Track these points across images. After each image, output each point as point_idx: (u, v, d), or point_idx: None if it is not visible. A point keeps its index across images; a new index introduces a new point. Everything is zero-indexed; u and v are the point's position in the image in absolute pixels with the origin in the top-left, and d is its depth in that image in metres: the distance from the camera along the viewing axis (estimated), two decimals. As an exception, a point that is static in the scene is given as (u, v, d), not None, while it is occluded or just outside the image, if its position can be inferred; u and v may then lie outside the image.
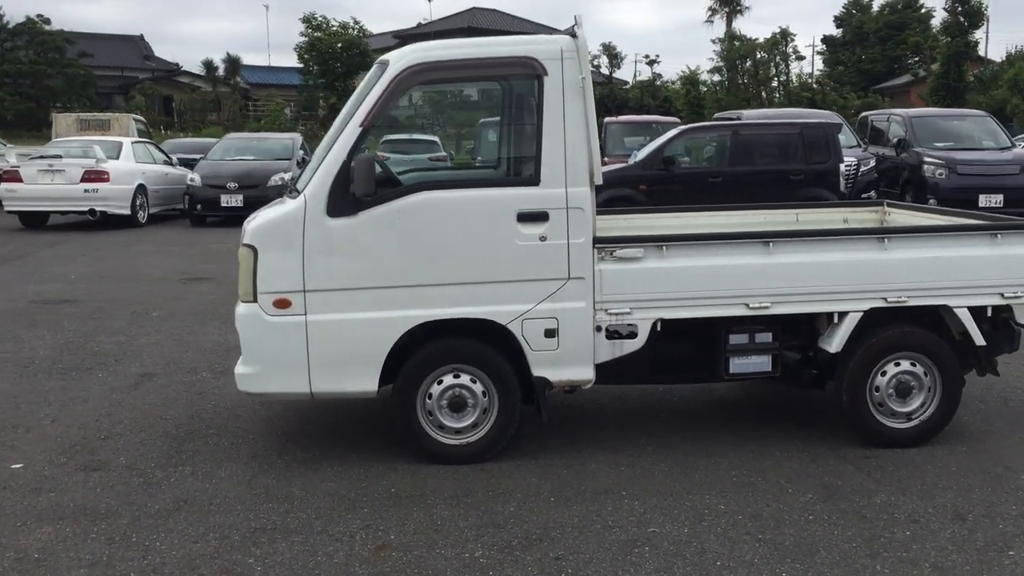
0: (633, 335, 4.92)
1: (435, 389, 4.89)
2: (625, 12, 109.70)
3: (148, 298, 9.87)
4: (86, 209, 16.44)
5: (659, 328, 4.94)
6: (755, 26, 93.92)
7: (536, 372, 4.87)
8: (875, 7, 59.95)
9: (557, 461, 4.97)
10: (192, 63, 59.56)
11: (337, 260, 4.71)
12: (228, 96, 51.02)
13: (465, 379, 4.89)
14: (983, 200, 14.22)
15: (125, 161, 17.24)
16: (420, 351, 4.86)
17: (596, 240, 4.84)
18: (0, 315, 8.99)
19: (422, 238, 4.72)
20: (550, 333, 4.82)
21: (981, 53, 46.62)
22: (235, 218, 16.99)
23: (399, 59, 4.86)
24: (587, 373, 4.92)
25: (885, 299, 5.02)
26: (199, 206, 17.58)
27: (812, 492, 4.56)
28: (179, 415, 5.84)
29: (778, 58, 51.47)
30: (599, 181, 4.83)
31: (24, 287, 10.58)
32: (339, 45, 44.07)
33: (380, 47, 49.13)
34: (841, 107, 38.10)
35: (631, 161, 13.56)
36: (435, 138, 17.34)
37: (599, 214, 5.11)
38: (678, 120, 21.74)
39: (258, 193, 16.85)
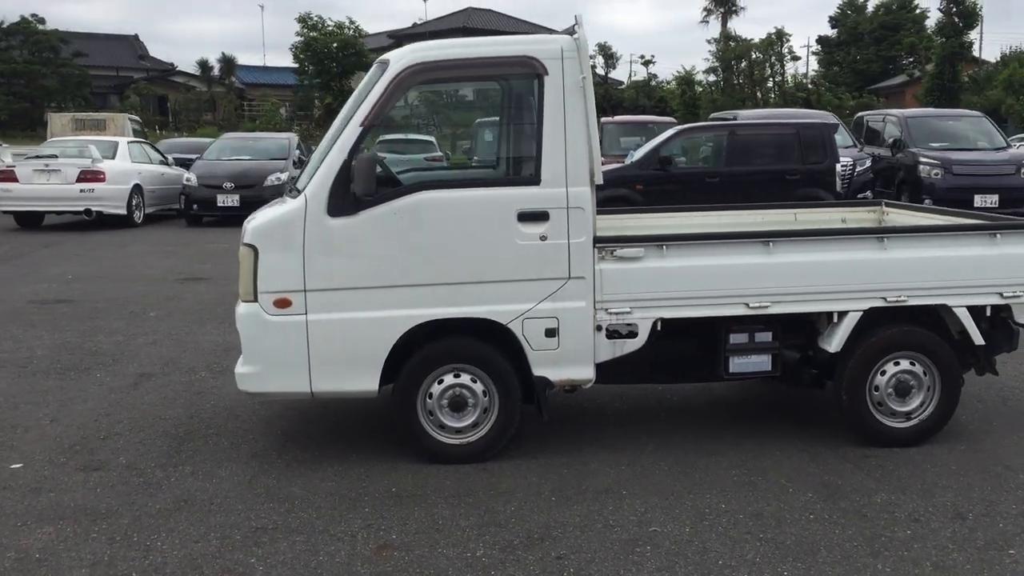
0: (633, 334, 4.92)
1: (436, 389, 4.89)
2: (621, 12, 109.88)
3: (145, 298, 9.86)
4: (82, 209, 16.39)
5: (659, 327, 4.94)
6: (750, 26, 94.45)
7: (537, 372, 4.87)
8: (870, 8, 60.15)
9: (558, 460, 4.98)
10: (187, 63, 59.48)
11: (338, 260, 4.71)
12: (223, 96, 51.03)
13: (466, 379, 4.89)
14: (979, 200, 14.28)
15: (121, 161, 17.20)
16: (421, 351, 4.86)
17: (596, 240, 4.84)
18: (-3, 315, 8.97)
19: (423, 238, 4.72)
20: (550, 333, 4.83)
21: (975, 54, 46.74)
22: (231, 218, 17.01)
23: (399, 59, 4.86)
24: (587, 372, 4.93)
25: (884, 299, 5.03)
26: (195, 206, 17.55)
27: (812, 491, 4.57)
28: (178, 415, 5.83)
29: (773, 58, 51.58)
30: (600, 181, 4.84)
31: (21, 287, 10.56)
32: (335, 45, 44.03)
33: (376, 47, 49.18)
34: (836, 107, 38.19)
35: (628, 161, 13.56)
36: (431, 138, 17.36)
37: (597, 214, 5.11)
38: (674, 120, 21.74)
39: (254, 193, 16.85)
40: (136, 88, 49.76)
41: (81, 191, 16.25)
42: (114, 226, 16.64)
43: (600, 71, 56.91)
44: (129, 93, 48.83)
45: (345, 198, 4.65)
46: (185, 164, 19.10)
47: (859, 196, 15.23)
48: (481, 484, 4.67)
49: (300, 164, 18.53)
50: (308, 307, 4.71)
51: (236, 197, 17.05)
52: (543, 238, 4.76)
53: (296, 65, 46.21)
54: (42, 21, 46.76)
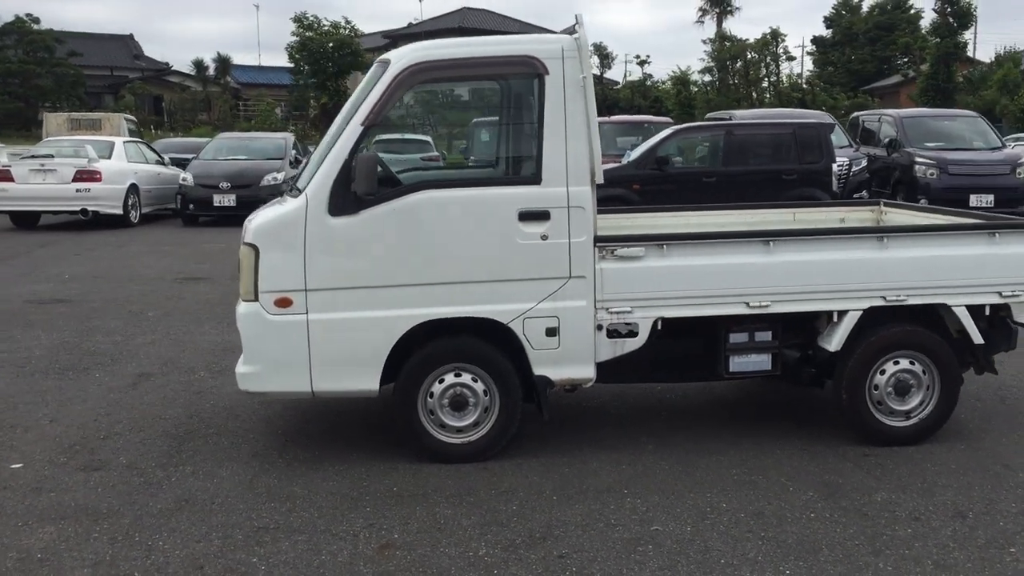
0: (634, 334, 4.93)
1: (436, 388, 4.89)
2: (616, 12, 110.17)
3: (143, 298, 9.85)
4: (78, 209, 16.37)
5: (660, 327, 4.95)
6: (745, 27, 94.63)
7: (537, 371, 4.87)
8: (865, 8, 60.24)
9: (559, 460, 4.98)
10: (182, 63, 59.71)
11: (339, 259, 4.71)
12: (218, 96, 50.97)
13: (466, 378, 4.89)
14: (974, 200, 14.33)
15: (117, 161, 17.18)
16: (421, 350, 4.86)
17: (597, 239, 4.85)
18: (-6, 315, 8.96)
19: (424, 237, 4.72)
20: (551, 332, 4.83)
21: (970, 54, 46.83)
22: (228, 218, 17.02)
23: (400, 58, 4.86)
24: (588, 372, 4.93)
25: (884, 298, 5.04)
26: (191, 206, 17.53)
27: (813, 490, 4.58)
28: (178, 415, 5.83)
29: (769, 58, 51.64)
30: (600, 180, 4.84)
31: (18, 287, 10.54)
32: (331, 45, 43.99)
33: (371, 47, 49.15)
34: (831, 107, 38.23)
35: (624, 161, 13.57)
36: (427, 138, 17.37)
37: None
38: (671, 120, 21.76)
39: (251, 193, 16.83)
40: (131, 88, 49.70)
41: (77, 191, 16.22)
42: (110, 226, 16.62)
43: (595, 71, 56.90)
44: (124, 93, 48.78)
45: (346, 197, 4.65)
46: (181, 164, 19.08)
47: (855, 196, 15.28)
48: (482, 483, 4.68)
49: (296, 164, 18.51)
50: (309, 306, 4.71)
51: (232, 197, 17.04)
52: (544, 237, 4.76)
53: (291, 65, 46.16)
54: (37, 21, 46.65)
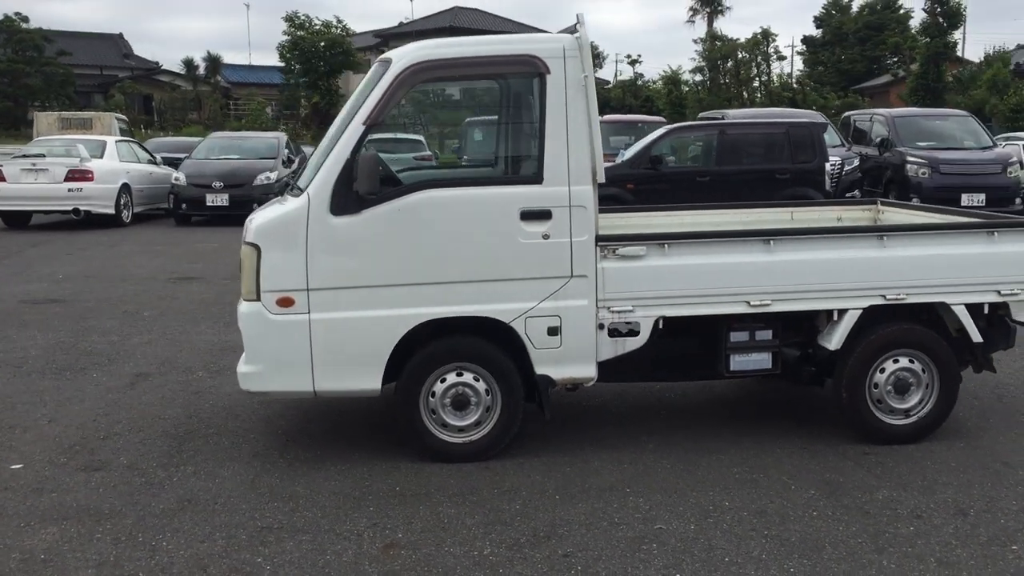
0: (635, 333, 4.94)
1: (438, 387, 4.89)
2: (607, 12, 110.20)
3: (138, 297, 9.82)
4: (70, 208, 16.30)
5: (661, 326, 4.96)
6: (736, 26, 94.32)
7: (539, 370, 4.88)
8: (854, 8, 60.35)
9: (560, 459, 4.99)
10: (172, 62, 59.44)
11: (340, 258, 4.70)
12: (208, 95, 50.81)
13: (468, 377, 4.90)
14: (965, 199, 14.39)
15: (109, 160, 17.12)
16: (423, 349, 4.86)
17: (599, 238, 4.85)
18: (-12, 315, 8.92)
19: (426, 236, 4.72)
20: (553, 331, 4.84)
21: (959, 54, 47.00)
22: (220, 217, 16.99)
23: (401, 57, 4.85)
24: (590, 371, 4.94)
25: (884, 296, 5.06)
26: (184, 205, 17.48)
27: (814, 488, 4.60)
28: (177, 415, 5.81)
29: (759, 58, 51.73)
30: (602, 179, 4.85)
31: (11, 287, 10.49)
32: (322, 44, 43.90)
33: (362, 46, 49.08)
34: (821, 107, 38.32)
35: (618, 160, 13.58)
36: (420, 137, 17.35)
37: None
38: (664, 120, 21.79)
39: (244, 192, 16.83)
40: (121, 87, 49.44)
41: (69, 190, 16.16)
42: (102, 225, 16.56)
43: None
44: (114, 92, 48.51)
45: (348, 197, 4.65)
46: (173, 163, 19.01)
47: (847, 195, 15.30)
48: (485, 483, 4.68)
49: (289, 163, 18.50)
50: (311, 306, 4.70)
51: (225, 196, 17.00)
52: (546, 237, 4.76)
53: (282, 64, 46.06)
54: (26, 19, 46.37)
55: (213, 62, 52.92)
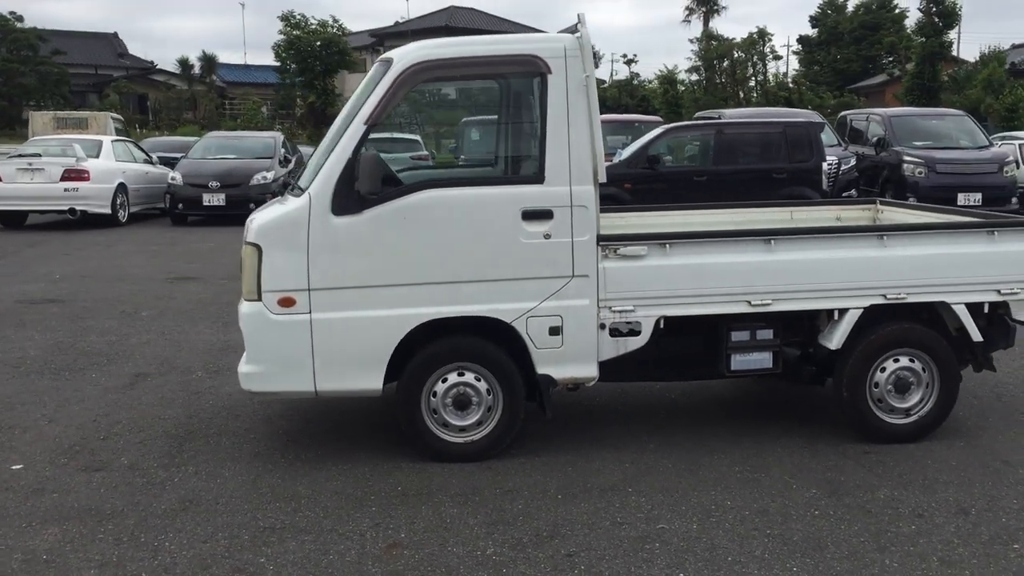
0: (636, 332, 4.94)
1: (439, 387, 4.89)
2: (603, 12, 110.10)
3: (135, 297, 9.80)
4: (66, 208, 16.27)
5: (662, 325, 4.96)
6: (732, 26, 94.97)
7: (540, 370, 4.88)
8: (850, 7, 60.43)
9: (562, 458, 4.99)
10: (167, 61, 59.41)
11: (342, 258, 4.70)
12: (204, 94, 50.69)
13: (469, 377, 4.89)
14: (962, 198, 14.42)
15: (105, 160, 17.09)
16: (425, 349, 4.85)
17: (600, 238, 4.85)
18: (-14, 315, 8.90)
19: (427, 236, 4.71)
20: (554, 331, 4.84)
21: (954, 53, 47.07)
22: (217, 217, 16.97)
23: (403, 57, 4.85)
24: (591, 370, 4.94)
25: (884, 296, 5.07)
26: (180, 205, 17.45)
27: (816, 487, 4.60)
28: (177, 415, 5.80)
29: (755, 58, 51.79)
30: (603, 179, 4.85)
31: (8, 287, 10.46)
32: (318, 43, 43.84)
33: (358, 46, 49.04)
34: (817, 106, 38.32)
35: (616, 160, 13.59)
36: (416, 137, 17.37)
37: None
38: (660, 119, 21.80)
39: (240, 192, 16.81)
40: (116, 86, 49.35)
41: (65, 190, 16.13)
42: (99, 225, 16.53)
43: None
44: (109, 91, 48.42)
45: (350, 197, 4.65)
46: (169, 163, 18.98)
47: (844, 194, 15.31)
48: (486, 482, 4.68)
49: (286, 163, 18.48)
50: (312, 306, 4.70)
51: (222, 196, 16.98)
52: (547, 236, 4.76)
53: (278, 64, 45.99)
54: (20, 19, 46.23)
55: (208, 61, 52.82)
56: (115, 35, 58.83)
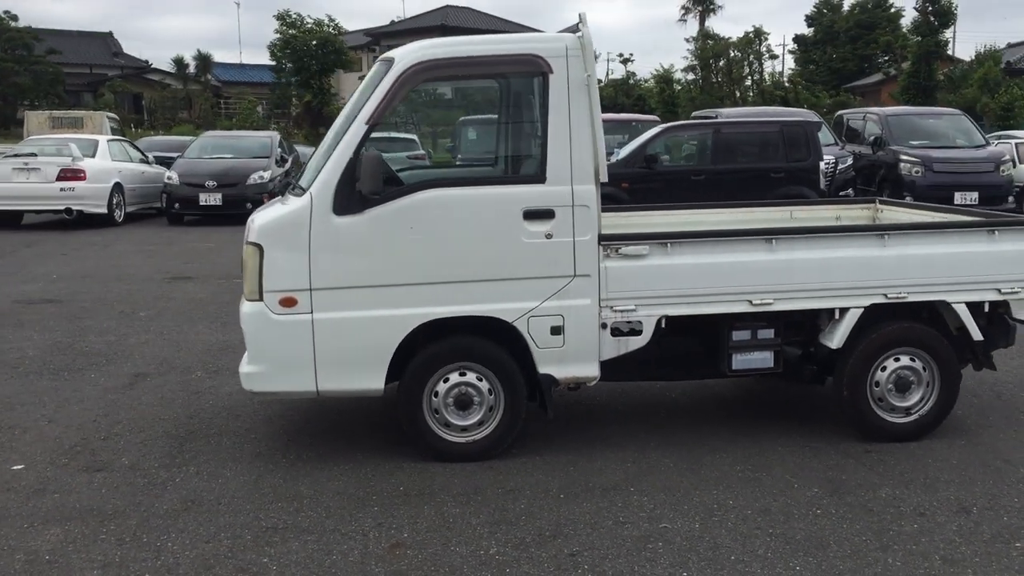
0: (637, 332, 4.94)
1: (441, 387, 4.89)
2: (599, 11, 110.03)
3: (133, 297, 9.78)
4: (62, 208, 16.24)
5: (663, 325, 4.97)
6: (728, 25, 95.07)
7: (542, 369, 4.88)
8: (846, 6, 60.42)
9: (563, 458, 4.99)
10: (162, 60, 59.22)
11: (343, 258, 4.69)
12: (199, 94, 50.60)
13: (471, 377, 4.89)
14: (958, 197, 14.45)
15: (101, 159, 17.05)
16: (426, 349, 4.85)
17: (601, 237, 4.85)
18: (-17, 315, 8.87)
19: (429, 236, 4.71)
20: (556, 330, 4.84)
21: (950, 52, 47.14)
22: (213, 217, 16.95)
23: (404, 56, 4.85)
24: (592, 370, 4.94)
25: (885, 295, 5.08)
26: (177, 205, 17.42)
27: (818, 486, 4.61)
28: (177, 415, 5.79)
29: (751, 57, 51.82)
30: (604, 178, 4.86)
31: (6, 287, 10.44)
32: (314, 43, 43.76)
33: (353, 45, 48.95)
34: (813, 105, 38.34)
35: (613, 159, 13.58)
36: (413, 136, 17.37)
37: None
38: (658, 119, 21.79)
39: (237, 192, 16.80)
40: (111, 86, 49.21)
41: (61, 190, 16.10)
42: (95, 225, 16.49)
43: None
44: (103, 91, 48.29)
45: (351, 196, 4.64)
46: (165, 162, 18.94)
47: (841, 194, 15.35)
48: (488, 482, 4.68)
49: (282, 163, 18.46)
50: (314, 306, 4.69)
51: (219, 196, 16.96)
52: (548, 236, 4.76)
53: (273, 63, 45.89)
54: (15, 18, 46.15)
55: (203, 61, 52.71)
56: (110, 34, 58.73)
